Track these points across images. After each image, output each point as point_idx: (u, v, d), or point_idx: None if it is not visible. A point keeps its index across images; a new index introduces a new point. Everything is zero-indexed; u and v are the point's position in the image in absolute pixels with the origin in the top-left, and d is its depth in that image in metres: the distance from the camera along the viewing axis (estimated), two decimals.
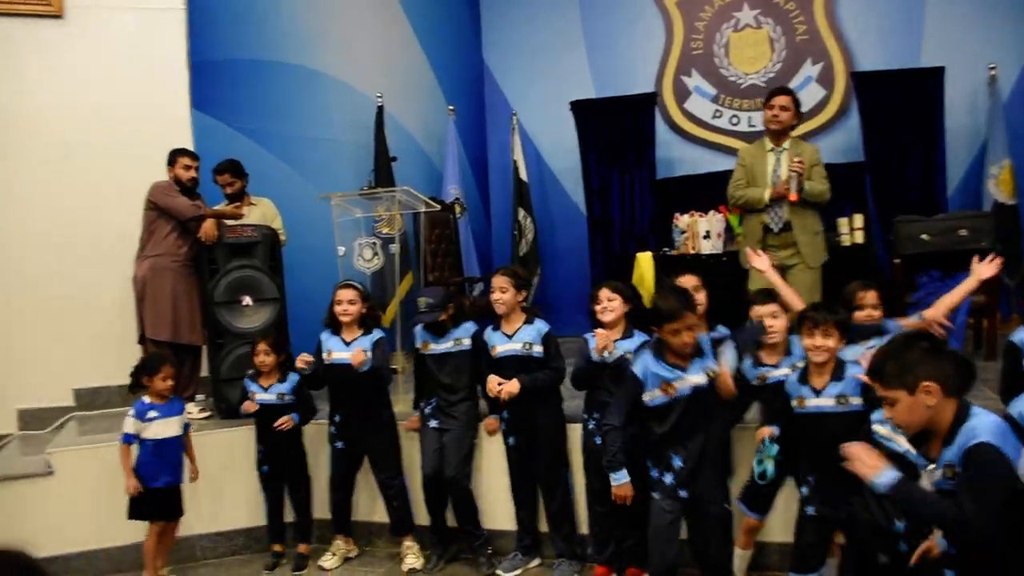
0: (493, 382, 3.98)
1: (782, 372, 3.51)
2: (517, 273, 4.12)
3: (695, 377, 3.33)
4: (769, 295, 3.69)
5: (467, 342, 4.25)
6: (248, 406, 4.32)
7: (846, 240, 6.14)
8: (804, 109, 7.53)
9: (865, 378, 2.90)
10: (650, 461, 3.44)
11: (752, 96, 7.83)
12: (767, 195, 4.87)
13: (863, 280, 3.68)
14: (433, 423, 4.26)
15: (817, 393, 3.23)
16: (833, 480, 3.06)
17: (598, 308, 3.77)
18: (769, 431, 3.39)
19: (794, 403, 3.30)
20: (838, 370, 3.24)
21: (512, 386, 3.92)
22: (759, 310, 3.61)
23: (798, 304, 3.70)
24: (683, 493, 3.35)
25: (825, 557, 3.35)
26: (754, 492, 3.59)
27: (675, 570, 3.41)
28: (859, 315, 3.53)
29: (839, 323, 3.23)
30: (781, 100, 4.88)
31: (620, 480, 3.41)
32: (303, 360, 4.24)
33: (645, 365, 3.36)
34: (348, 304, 4.24)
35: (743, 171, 5.03)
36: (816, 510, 3.27)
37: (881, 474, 2.31)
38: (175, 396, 4.29)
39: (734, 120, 7.92)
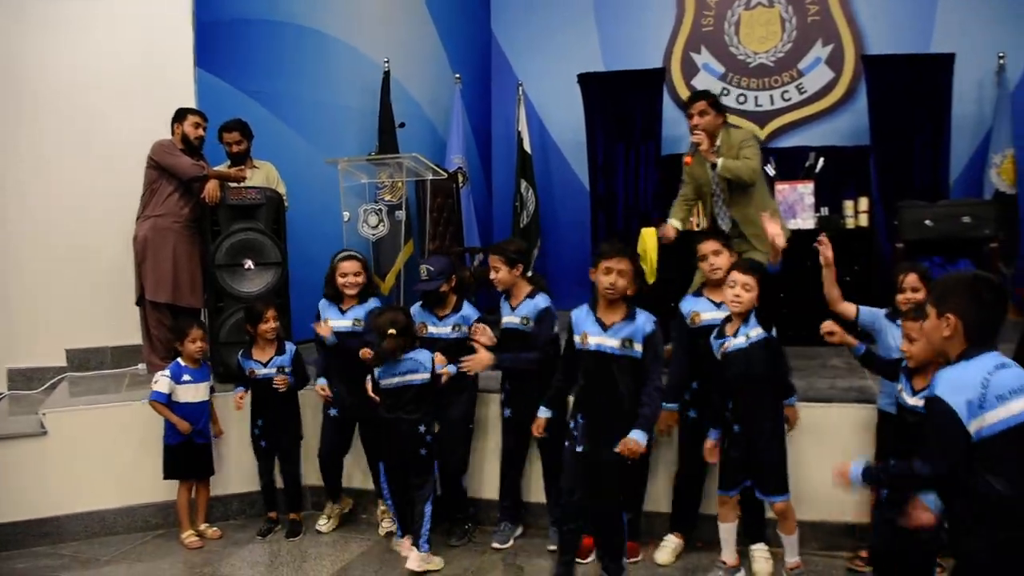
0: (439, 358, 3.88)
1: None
2: (505, 250, 3.97)
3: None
4: (716, 233, 3.65)
5: (466, 330, 4.05)
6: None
7: (850, 223, 6.13)
8: (812, 90, 7.62)
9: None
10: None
11: (761, 76, 7.79)
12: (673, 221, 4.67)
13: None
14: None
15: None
16: None
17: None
18: None
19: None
20: None
21: (477, 362, 3.77)
22: (704, 247, 3.71)
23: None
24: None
25: None
26: None
27: None
28: (899, 297, 3.50)
29: None
30: (698, 106, 4.41)
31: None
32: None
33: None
34: (353, 276, 4.18)
35: (691, 182, 4.66)
36: None
37: (852, 474, 2.47)
38: (205, 363, 4.39)
39: (741, 99, 7.86)
